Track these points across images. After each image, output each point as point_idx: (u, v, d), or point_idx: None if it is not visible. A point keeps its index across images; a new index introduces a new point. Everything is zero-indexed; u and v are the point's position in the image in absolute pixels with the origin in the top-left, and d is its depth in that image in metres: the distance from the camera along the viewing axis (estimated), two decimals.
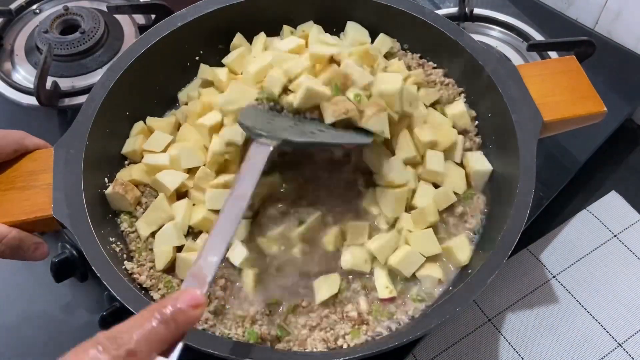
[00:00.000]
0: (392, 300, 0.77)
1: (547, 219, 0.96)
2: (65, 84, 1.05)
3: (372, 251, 0.79)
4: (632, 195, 0.98)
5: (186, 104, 0.93)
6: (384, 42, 0.94)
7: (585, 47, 0.98)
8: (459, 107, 0.90)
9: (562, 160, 1.01)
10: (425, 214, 0.80)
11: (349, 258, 0.79)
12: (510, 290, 0.90)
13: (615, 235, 0.94)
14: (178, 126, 0.91)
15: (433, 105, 0.91)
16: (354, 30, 0.94)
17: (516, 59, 1.10)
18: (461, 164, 0.87)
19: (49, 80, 1.01)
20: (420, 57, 0.96)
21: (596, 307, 0.88)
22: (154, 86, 0.93)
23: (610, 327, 0.87)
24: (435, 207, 0.82)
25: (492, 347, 0.86)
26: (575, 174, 0.99)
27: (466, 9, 1.11)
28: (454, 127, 0.89)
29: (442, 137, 0.85)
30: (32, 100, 1.01)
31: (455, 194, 0.84)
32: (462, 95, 0.92)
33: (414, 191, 0.82)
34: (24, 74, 1.08)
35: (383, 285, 0.78)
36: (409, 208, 0.82)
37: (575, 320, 0.87)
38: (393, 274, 0.80)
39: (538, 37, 1.11)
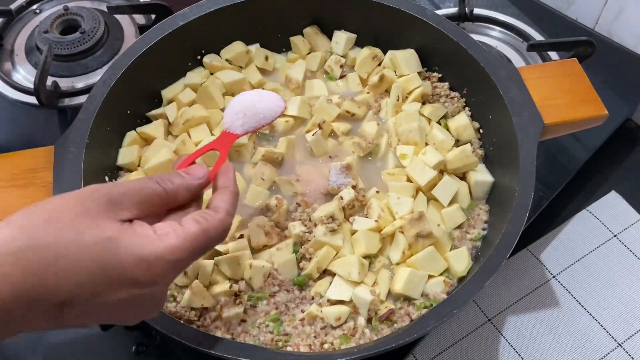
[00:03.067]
0: (391, 312, 0.77)
1: (547, 219, 0.96)
2: (65, 84, 1.05)
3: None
4: (632, 195, 0.98)
5: (170, 101, 0.94)
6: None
7: (585, 47, 0.98)
8: (462, 119, 0.90)
9: (562, 160, 1.01)
10: (442, 243, 0.82)
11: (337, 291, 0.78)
12: (511, 290, 0.90)
13: (615, 235, 0.94)
14: (168, 127, 0.92)
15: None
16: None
17: (516, 59, 1.10)
18: (463, 176, 0.88)
19: (49, 80, 1.01)
20: (427, 70, 0.96)
21: (596, 307, 0.88)
22: (155, 85, 0.94)
23: (610, 327, 0.87)
24: (447, 236, 0.83)
25: (492, 347, 0.85)
26: (575, 174, 0.99)
27: (466, 9, 1.12)
28: (457, 139, 0.90)
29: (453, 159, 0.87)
30: (32, 100, 1.01)
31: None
32: (466, 108, 0.93)
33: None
34: (24, 74, 1.08)
35: (382, 306, 0.78)
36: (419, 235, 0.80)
37: (575, 320, 0.87)
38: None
39: (538, 37, 1.11)
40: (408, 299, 0.78)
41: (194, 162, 0.64)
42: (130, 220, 0.52)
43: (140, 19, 1.16)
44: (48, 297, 0.45)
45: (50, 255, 0.45)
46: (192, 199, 0.59)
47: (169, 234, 0.52)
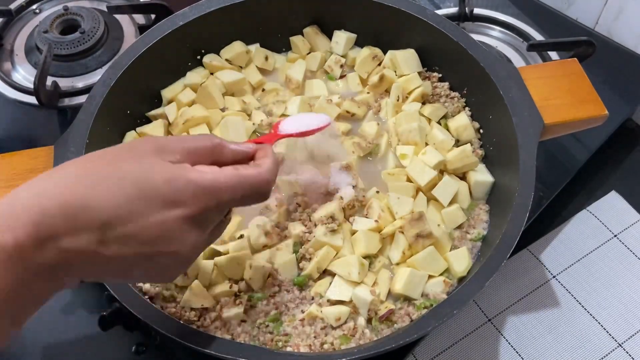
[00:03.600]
0: (391, 312, 0.77)
1: (547, 219, 0.96)
2: (65, 84, 1.05)
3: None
4: (632, 195, 0.98)
5: (170, 101, 0.94)
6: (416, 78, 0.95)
7: (585, 47, 0.98)
8: (462, 119, 0.90)
9: (562, 160, 1.01)
10: (442, 243, 0.82)
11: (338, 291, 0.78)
12: (511, 290, 0.90)
13: (615, 235, 0.94)
14: (168, 127, 0.91)
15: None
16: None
17: (516, 59, 1.10)
18: (463, 176, 0.88)
19: (49, 80, 1.01)
20: (427, 70, 0.96)
21: (596, 307, 0.88)
22: (155, 85, 0.94)
23: (610, 327, 0.87)
24: (448, 237, 0.83)
25: (492, 347, 0.85)
26: (575, 174, 0.99)
27: (466, 9, 1.12)
28: (457, 139, 0.90)
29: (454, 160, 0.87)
30: (32, 100, 1.01)
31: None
32: (467, 108, 0.93)
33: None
34: (24, 74, 1.08)
35: (382, 306, 0.78)
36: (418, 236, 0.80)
37: (575, 320, 0.87)
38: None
39: (538, 37, 1.11)
40: (408, 299, 0.78)
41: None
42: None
43: (140, 19, 1.16)
44: (91, 215, 0.49)
45: (95, 180, 0.51)
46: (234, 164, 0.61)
47: (205, 169, 0.56)
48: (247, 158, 0.63)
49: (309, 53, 1.00)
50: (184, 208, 0.53)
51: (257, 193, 0.60)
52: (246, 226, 0.82)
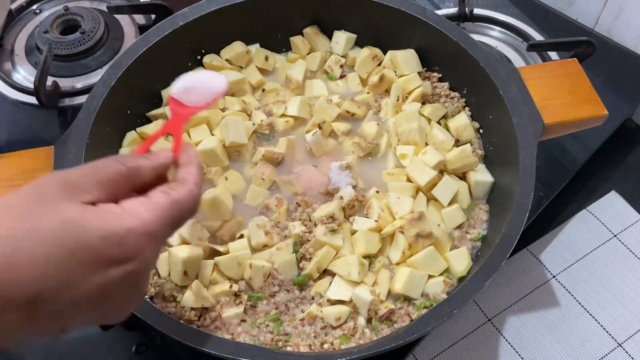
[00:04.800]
0: (391, 312, 0.77)
1: (547, 219, 0.96)
2: (65, 84, 1.05)
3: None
4: (632, 195, 0.98)
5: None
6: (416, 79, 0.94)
7: (585, 47, 0.98)
8: (462, 119, 0.90)
9: (562, 161, 1.01)
10: (442, 243, 0.82)
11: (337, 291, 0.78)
12: (510, 290, 0.90)
13: (615, 235, 0.94)
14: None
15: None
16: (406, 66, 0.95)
17: (516, 59, 1.10)
18: (463, 176, 0.88)
19: (49, 80, 1.01)
20: (427, 70, 0.96)
21: (596, 307, 0.88)
22: (155, 85, 0.93)
23: (610, 327, 0.87)
24: (447, 237, 0.83)
25: (492, 347, 0.85)
26: (575, 174, 0.99)
27: (466, 9, 1.12)
28: (457, 139, 0.90)
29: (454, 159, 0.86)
30: (32, 100, 1.02)
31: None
32: (467, 108, 0.93)
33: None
34: (24, 74, 1.08)
35: (382, 306, 0.78)
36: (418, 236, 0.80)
37: (575, 320, 0.87)
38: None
39: (538, 37, 1.11)
40: (408, 299, 0.78)
41: (149, 150, 0.59)
42: (94, 203, 0.47)
43: (140, 19, 1.16)
44: (16, 294, 0.41)
45: (8, 250, 0.41)
46: (156, 181, 0.54)
47: (138, 209, 0.48)
48: (168, 168, 0.56)
49: (309, 53, 1.00)
50: (126, 264, 0.46)
51: (191, 213, 0.53)
52: (246, 226, 0.82)
